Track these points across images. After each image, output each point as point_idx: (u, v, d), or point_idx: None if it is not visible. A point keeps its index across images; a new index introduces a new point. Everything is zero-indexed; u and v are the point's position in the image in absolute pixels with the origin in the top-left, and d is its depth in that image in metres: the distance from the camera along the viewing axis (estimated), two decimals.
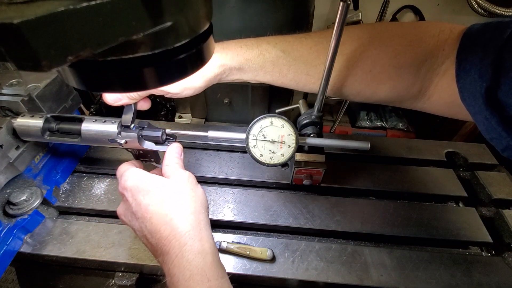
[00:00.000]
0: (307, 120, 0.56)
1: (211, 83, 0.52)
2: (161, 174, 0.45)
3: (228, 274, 0.40)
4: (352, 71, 0.50)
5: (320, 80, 0.48)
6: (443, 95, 0.46)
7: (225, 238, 0.55)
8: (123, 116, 0.50)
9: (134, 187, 0.41)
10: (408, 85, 0.48)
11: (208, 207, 0.44)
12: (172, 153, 0.47)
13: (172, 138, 0.52)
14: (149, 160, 0.57)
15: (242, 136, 0.51)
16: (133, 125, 0.50)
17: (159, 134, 0.50)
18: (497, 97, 0.36)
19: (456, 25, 0.45)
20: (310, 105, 0.59)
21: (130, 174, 0.43)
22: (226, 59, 0.50)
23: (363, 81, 0.50)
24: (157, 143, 0.51)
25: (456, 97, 0.42)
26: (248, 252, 0.52)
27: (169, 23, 0.21)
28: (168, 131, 0.51)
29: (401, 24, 0.50)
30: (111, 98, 0.48)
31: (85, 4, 0.17)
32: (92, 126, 0.49)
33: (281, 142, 0.50)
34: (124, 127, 0.50)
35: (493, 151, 0.74)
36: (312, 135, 0.55)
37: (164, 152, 0.52)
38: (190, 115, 1.00)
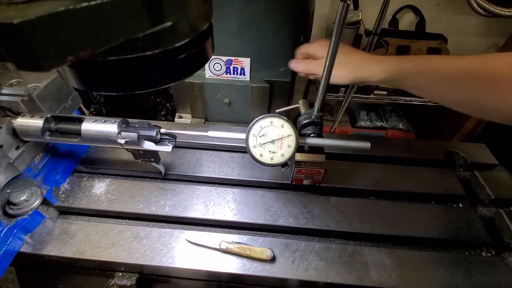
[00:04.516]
0: (307, 120, 0.56)
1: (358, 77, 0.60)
2: None
3: (229, 274, 0.40)
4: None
5: None
6: None
7: (225, 238, 0.55)
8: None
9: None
10: None
11: None
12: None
13: (172, 138, 0.52)
14: (149, 160, 0.57)
15: (242, 136, 0.51)
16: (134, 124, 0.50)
17: (153, 133, 0.50)
18: None
19: None
20: (310, 105, 0.59)
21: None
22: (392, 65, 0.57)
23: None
24: (156, 142, 0.51)
25: None
26: (248, 252, 0.52)
27: (169, 23, 0.21)
28: (163, 130, 0.52)
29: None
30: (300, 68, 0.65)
31: (85, 4, 0.17)
32: (92, 126, 0.49)
33: (281, 142, 0.50)
34: (124, 127, 0.50)
35: (493, 151, 0.74)
36: (312, 135, 0.55)
37: (164, 152, 0.52)
38: (190, 115, 1.00)
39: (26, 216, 0.53)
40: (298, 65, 0.65)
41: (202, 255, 0.53)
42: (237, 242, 0.54)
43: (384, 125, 1.78)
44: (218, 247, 0.53)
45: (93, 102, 1.29)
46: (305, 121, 0.57)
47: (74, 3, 0.17)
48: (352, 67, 0.60)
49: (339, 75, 0.60)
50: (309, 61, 0.64)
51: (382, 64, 0.58)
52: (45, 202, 0.58)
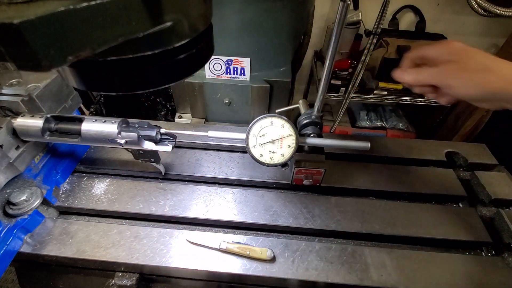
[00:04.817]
0: (307, 120, 0.56)
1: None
2: None
3: (229, 274, 0.40)
4: None
5: None
6: None
7: (225, 238, 0.55)
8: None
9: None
10: None
11: None
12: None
13: (172, 138, 0.52)
14: (149, 160, 0.57)
15: (242, 136, 0.51)
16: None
17: (153, 133, 0.50)
18: None
19: None
20: (310, 105, 0.59)
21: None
22: None
23: None
24: (156, 142, 0.51)
25: None
26: (248, 252, 0.52)
27: (169, 23, 0.21)
28: (163, 130, 0.52)
29: None
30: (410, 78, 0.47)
31: (85, 4, 0.17)
32: (92, 126, 0.49)
33: (281, 142, 0.50)
34: (124, 127, 0.50)
35: (493, 151, 0.74)
36: (312, 135, 0.55)
37: (164, 152, 0.52)
38: (190, 115, 1.00)
39: (26, 216, 0.53)
40: (404, 75, 0.47)
41: (202, 255, 0.53)
42: (237, 242, 0.54)
43: (384, 125, 1.78)
44: (218, 247, 0.53)
45: (93, 102, 1.29)
46: (305, 121, 0.57)
47: (74, 3, 0.17)
48: (490, 77, 0.42)
49: (465, 86, 0.43)
50: (419, 69, 0.47)
51: None
52: (45, 202, 0.58)
